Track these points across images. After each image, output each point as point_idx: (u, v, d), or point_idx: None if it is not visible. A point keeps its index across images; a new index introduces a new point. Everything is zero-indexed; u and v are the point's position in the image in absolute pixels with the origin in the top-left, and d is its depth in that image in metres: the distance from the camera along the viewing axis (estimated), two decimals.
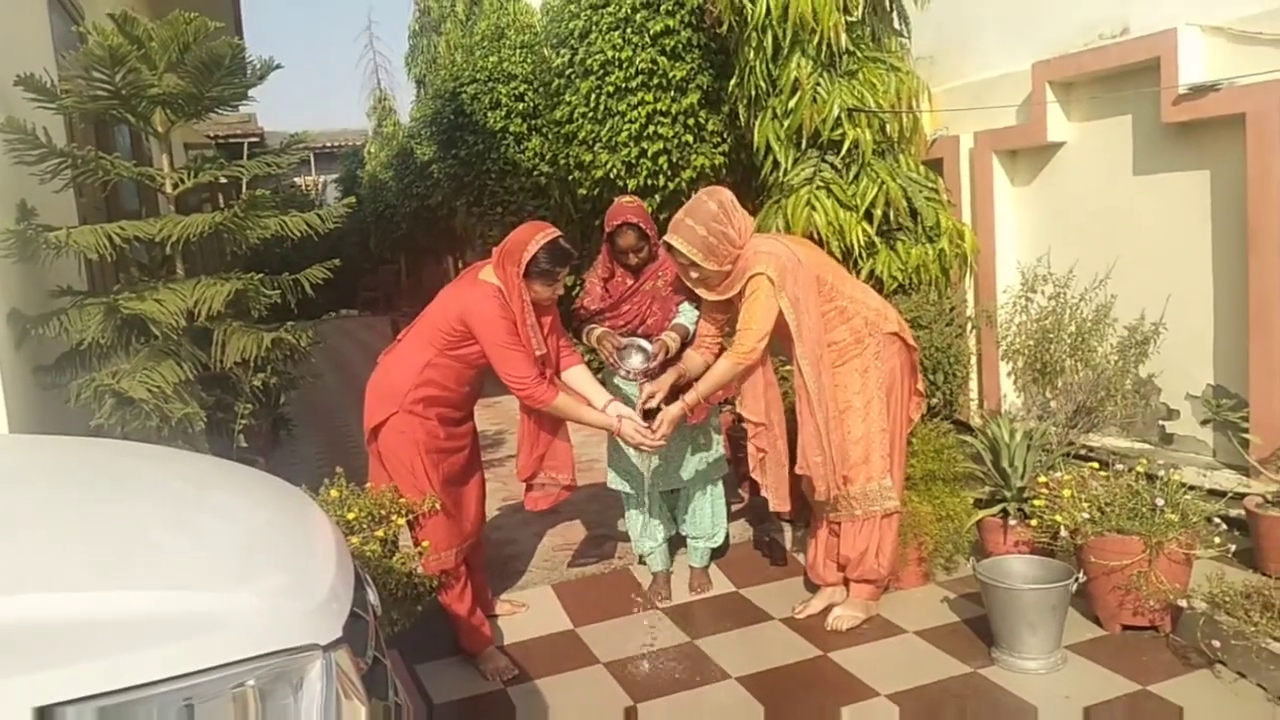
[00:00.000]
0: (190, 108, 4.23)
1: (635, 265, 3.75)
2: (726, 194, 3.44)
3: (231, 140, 15.67)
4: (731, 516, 4.27)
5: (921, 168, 4.79)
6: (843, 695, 3.12)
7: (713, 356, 3.57)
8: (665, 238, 3.43)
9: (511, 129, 8.34)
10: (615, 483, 3.99)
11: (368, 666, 1.61)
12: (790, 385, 3.54)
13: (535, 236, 3.31)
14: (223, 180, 4.49)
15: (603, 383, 3.64)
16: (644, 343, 3.68)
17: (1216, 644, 2.94)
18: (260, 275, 4.24)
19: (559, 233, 3.39)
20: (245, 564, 1.62)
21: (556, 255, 3.33)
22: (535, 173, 8.30)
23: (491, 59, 8.44)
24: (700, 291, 3.51)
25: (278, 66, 4.27)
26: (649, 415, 3.44)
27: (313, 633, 1.46)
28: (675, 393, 3.49)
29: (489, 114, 8.35)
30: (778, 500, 3.54)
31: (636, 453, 3.67)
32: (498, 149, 8.40)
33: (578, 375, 3.54)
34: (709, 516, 4.02)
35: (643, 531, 3.99)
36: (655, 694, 3.22)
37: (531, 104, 8.24)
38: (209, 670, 1.32)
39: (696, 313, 3.72)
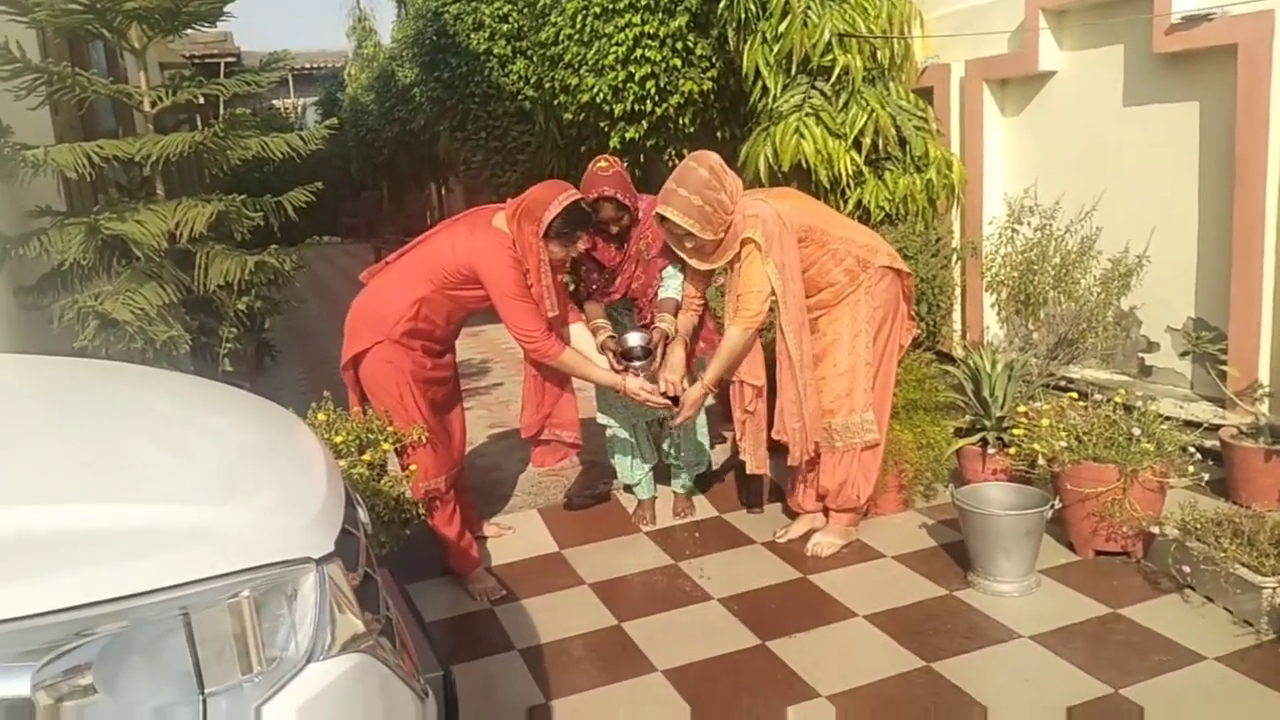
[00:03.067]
0: (167, 23, 4.13)
1: (617, 234, 3.65)
2: (714, 157, 3.36)
3: (208, 60, 15.29)
4: (714, 444, 4.31)
5: (912, 96, 4.76)
6: (822, 616, 3.19)
7: (697, 318, 3.58)
8: (658, 209, 3.32)
9: (495, 51, 8.18)
10: (604, 420, 4.00)
11: (359, 581, 1.64)
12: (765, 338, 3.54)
13: (558, 197, 3.26)
14: (201, 100, 4.41)
15: None
16: (640, 333, 3.59)
17: (1186, 569, 3.02)
18: (242, 198, 4.20)
19: (579, 194, 3.35)
20: (236, 479, 1.63)
21: (577, 218, 3.31)
22: (520, 97, 8.17)
23: None
24: (693, 261, 3.43)
25: None
26: (672, 402, 3.45)
27: (305, 546, 1.47)
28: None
29: (472, 35, 8.18)
30: (755, 462, 3.58)
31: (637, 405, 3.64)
32: (481, 72, 8.25)
33: (578, 334, 3.54)
34: (694, 444, 4.06)
35: (631, 467, 4.03)
36: (639, 613, 3.29)
37: (516, 25, 8.07)
38: (203, 581, 1.34)
39: (680, 278, 3.62)
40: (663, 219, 3.32)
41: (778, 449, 3.62)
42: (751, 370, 3.47)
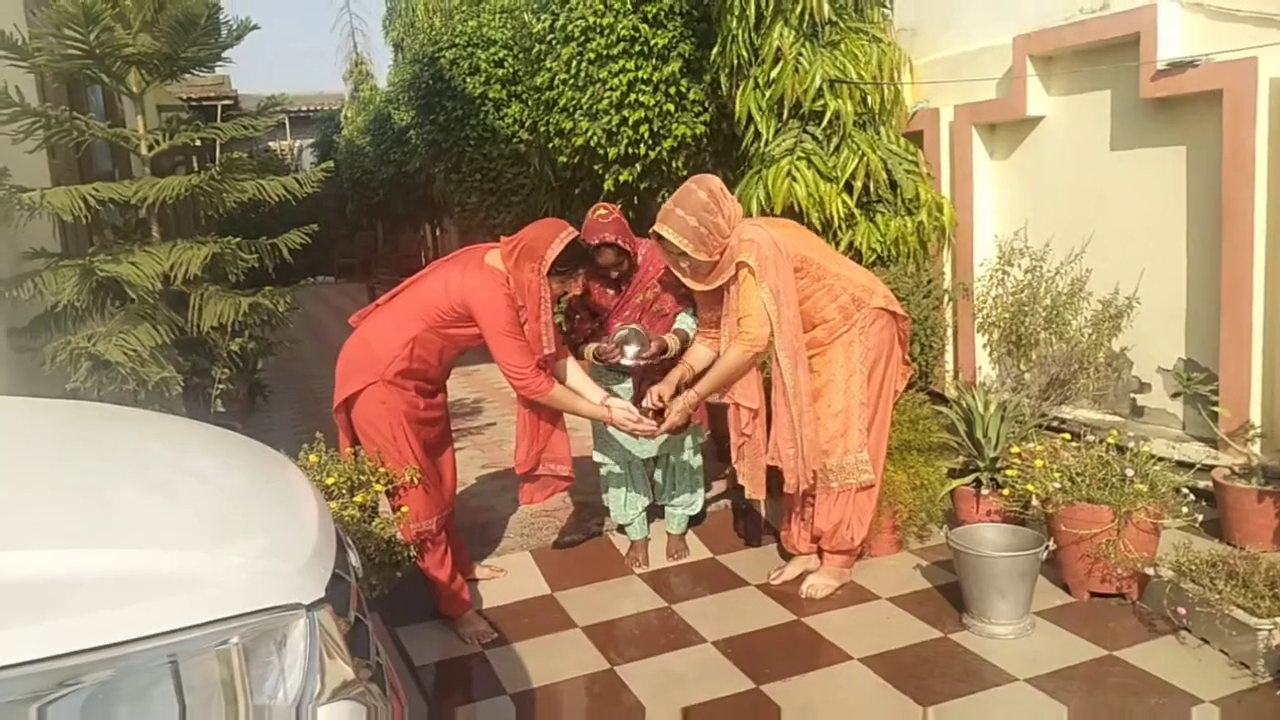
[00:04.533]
0: (165, 68, 4.18)
1: (615, 279, 3.73)
2: (715, 181, 3.41)
3: (205, 103, 15.40)
4: (709, 485, 4.30)
5: (902, 140, 4.81)
6: (816, 659, 3.17)
7: (716, 347, 3.55)
8: (655, 228, 3.37)
9: (491, 95, 8.27)
10: (600, 458, 4.00)
11: (350, 626, 1.62)
12: (765, 376, 3.55)
13: (559, 235, 3.31)
14: (198, 143, 4.44)
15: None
16: (639, 329, 3.66)
17: (1182, 611, 3.01)
18: (237, 239, 4.22)
19: (576, 232, 3.39)
20: (227, 524, 1.62)
21: (577, 255, 3.36)
22: (515, 140, 8.24)
23: (471, 23, 8.35)
24: (688, 282, 3.47)
25: (254, 27, 4.23)
26: (657, 415, 3.45)
27: (296, 592, 1.47)
28: (679, 389, 3.49)
29: (468, 79, 8.27)
30: (754, 487, 3.56)
31: (630, 437, 3.68)
32: (477, 115, 8.33)
33: (569, 369, 3.56)
34: (687, 485, 4.05)
35: (625, 504, 4.02)
36: (632, 656, 3.26)
37: (511, 70, 8.17)
38: (192, 628, 1.33)
39: (694, 320, 3.71)
40: (660, 238, 3.37)
41: (772, 490, 3.62)
42: (746, 393, 3.46)
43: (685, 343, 3.69)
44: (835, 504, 3.58)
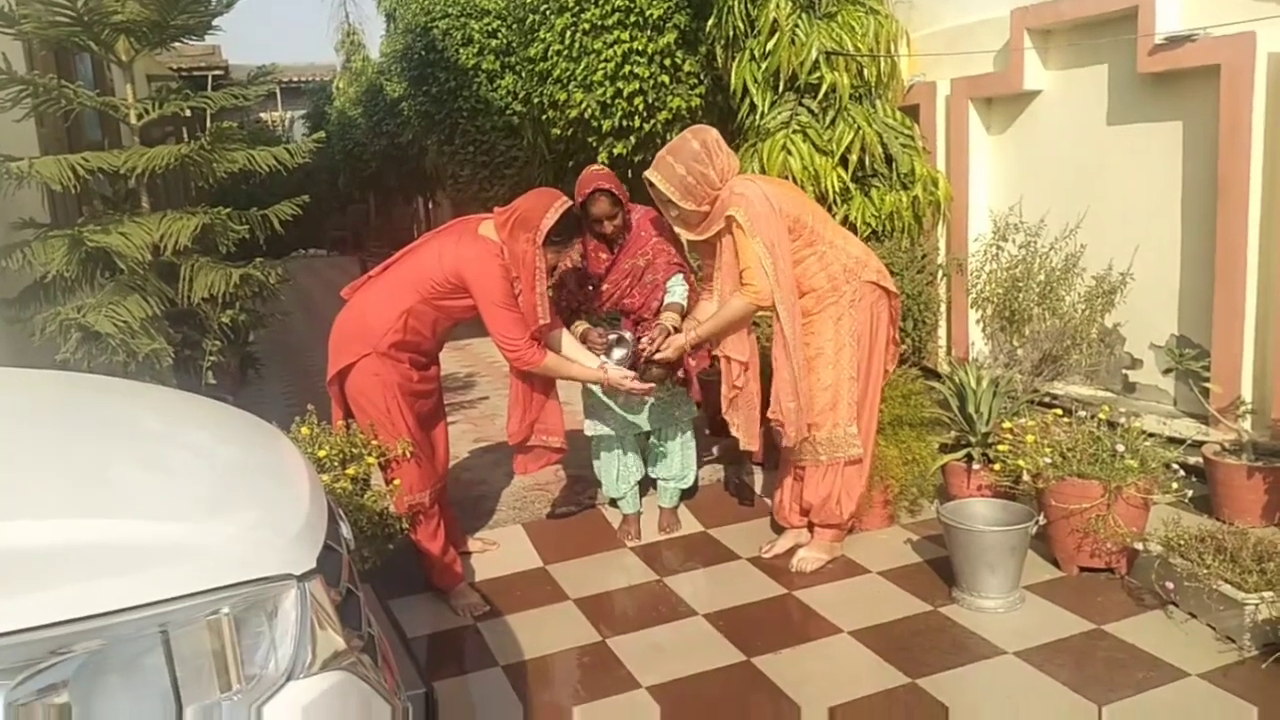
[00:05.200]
0: (155, 36, 4.12)
1: (611, 235, 3.72)
2: (712, 134, 3.42)
3: (195, 73, 15.27)
4: (701, 460, 4.31)
5: (898, 114, 4.80)
6: (807, 632, 3.19)
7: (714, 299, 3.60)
8: (646, 173, 3.42)
9: (484, 66, 8.20)
10: (592, 430, 4.00)
11: (341, 598, 1.62)
12: (762, 331, 3.56)
13: (553, 204, 3.30)
14: (188, 112, 4.40)
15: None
16: (627, 335, 3.66)
17: (1170, 586, 3.03)
18: (228, 210, 4.18)
19: (570, 201, 3.40)
20: (218, 495, 1.62)
21: (571, 224, 3.38)
22: (508, 111, 8.19)
23: None
24: (679, 229, 3.52)
25: None
26: (651, 365, 3.51)
27: (287, 563, 1.46)
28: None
29: (461, 50, 8.20)
30: (747, 439, 3.57)
31: (622, 402, 3.71)
32: (470, 86, 8.27)
33: (563, 339, 3.57)
34: (679, 459, 4.05)
35: (617, 477, 4.03)
36: (624, 629, 3.28)
37: (505, 40, 8.10)
38: (182, 598, 1.33)
39: (686, 287, 3.77)
40: (651, 184, 3.41)
41: (765, 463, 3.63)
42: (736, 347, 3.48)
43: (683, 316, 3.70)
44: (824, 477, 3.59)
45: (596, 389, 3.76)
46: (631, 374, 3.48)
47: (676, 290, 3.78)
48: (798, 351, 3.41)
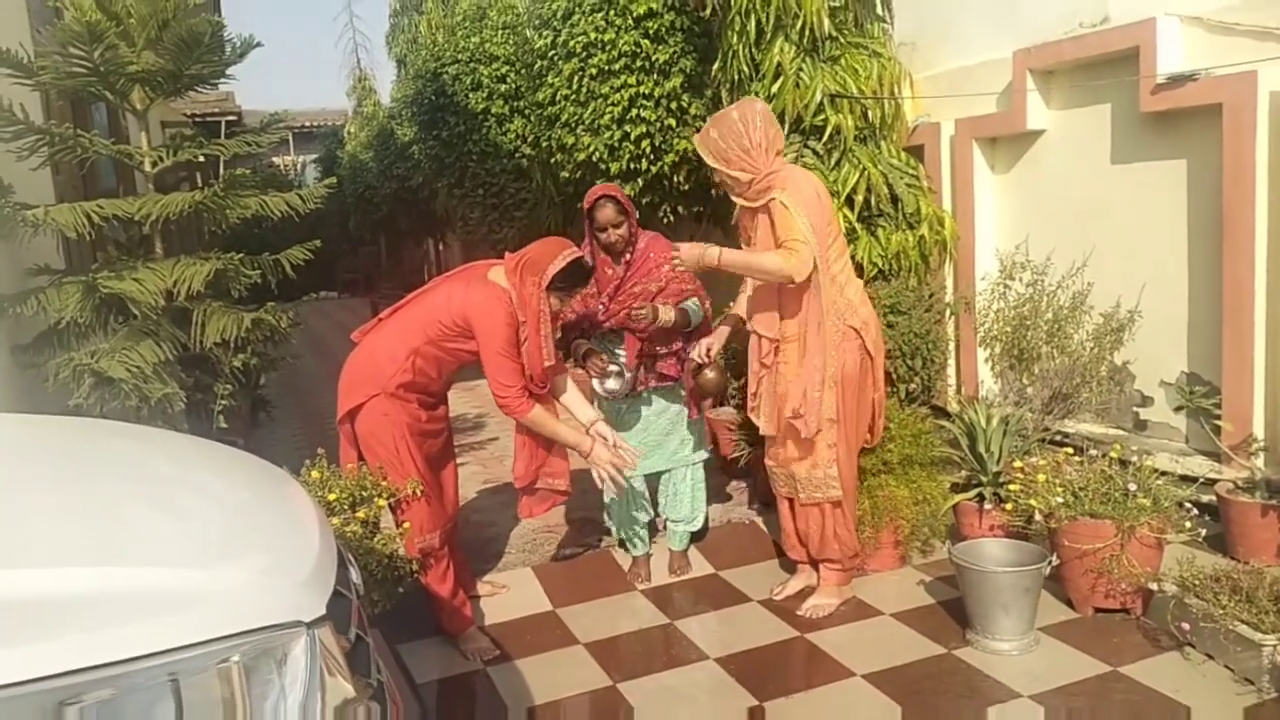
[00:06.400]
0: (169, 85, 4.20)
1: (617, 246, 3.74)
2: (758, 105, 3.41)
3: (209, 119, 15.48)
4: (710, 501, 4.30)
5: (903, 154, 4.82)
6: (819, 675, 3.15)
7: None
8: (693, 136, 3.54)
9: (493, 110, 8.30)
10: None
11: (351, 644, 1.62)
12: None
13: (563, 252, 3.36)
14: (201, 159, 4.47)
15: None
16: (627, 373, 3.77)
17: (1186, 626, 3.00)
18: (240, 255, 4.23)
19: (581, 251, 3.46)
20: (228, 541, 1.62)
21: (579, 274, 3.43)
22: (517, 155, 8.27)
23: (473, 39, 8.38)
24: (734, 198, 3.49)
25: (258, 44, 4.25)
26: (702, 368, 3.62)
27: (296, 609, 1.47)
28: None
29: (470, 95, 8.30)
30: (769, 425, 3.55)
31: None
32: (479, 130, 8.36)
33: (568, 385, 3.60)
34: (689, 501, 4.04)
35: (626, 520, 4.01)
36: (635, 674, 3.25)
37: (514, 86, 8.19)
38: (193, 646, 1.33)
39: (701, 311, 3.84)
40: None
41: (770, 506, 3.61)
42: (766, 323, 3.46)
43: (685, 323, 3.78)
44: (810, 514, 3.58)
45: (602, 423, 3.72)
46: (618, 447, 3.45)
47: (690, 304, 3.83)
48: (832, 335, 3.37)
